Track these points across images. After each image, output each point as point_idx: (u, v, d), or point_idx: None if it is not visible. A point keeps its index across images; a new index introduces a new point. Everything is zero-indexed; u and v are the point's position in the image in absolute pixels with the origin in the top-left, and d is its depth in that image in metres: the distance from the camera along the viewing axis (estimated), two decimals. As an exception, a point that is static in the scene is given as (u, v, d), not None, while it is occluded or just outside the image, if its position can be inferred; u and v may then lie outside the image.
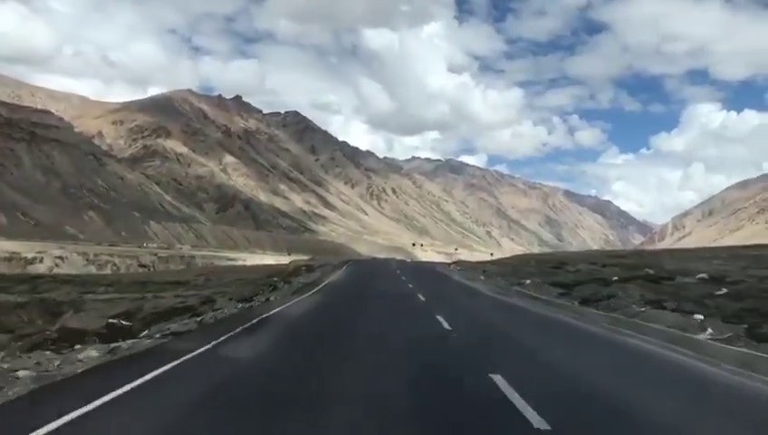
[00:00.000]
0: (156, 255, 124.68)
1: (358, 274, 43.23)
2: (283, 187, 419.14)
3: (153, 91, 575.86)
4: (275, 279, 32.26)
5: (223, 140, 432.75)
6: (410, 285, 30.18)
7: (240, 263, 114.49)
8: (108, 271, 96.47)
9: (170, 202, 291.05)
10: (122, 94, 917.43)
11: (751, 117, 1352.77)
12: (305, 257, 68.93)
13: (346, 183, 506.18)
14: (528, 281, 32.28)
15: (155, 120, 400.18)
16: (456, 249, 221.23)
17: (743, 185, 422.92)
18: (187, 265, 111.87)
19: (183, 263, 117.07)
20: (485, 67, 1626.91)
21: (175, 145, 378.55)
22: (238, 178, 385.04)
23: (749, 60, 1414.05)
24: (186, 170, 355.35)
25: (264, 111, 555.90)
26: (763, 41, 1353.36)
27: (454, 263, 63.05)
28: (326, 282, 31.30)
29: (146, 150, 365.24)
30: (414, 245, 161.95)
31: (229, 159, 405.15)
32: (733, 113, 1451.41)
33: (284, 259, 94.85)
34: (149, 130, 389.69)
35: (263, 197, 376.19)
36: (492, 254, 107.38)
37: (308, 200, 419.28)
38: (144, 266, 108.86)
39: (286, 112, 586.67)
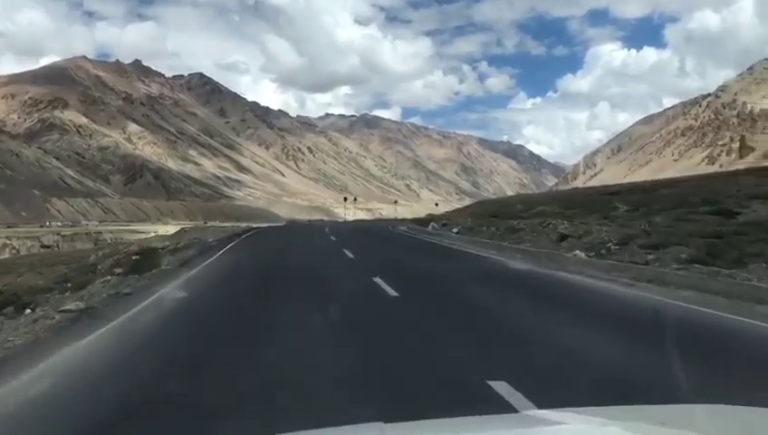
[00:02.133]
0: (59, 234, 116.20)
1: (239, 277, 16.13)
2: (193, 153, 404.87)
3: (46, 61, 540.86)
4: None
5: (125, 108, 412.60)
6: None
7: (152, 234, 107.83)
8: (6, 255, 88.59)
9: (73, 177, 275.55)
10: (12, 66, 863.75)
11: (649, 54, 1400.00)
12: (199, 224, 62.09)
13: (260, 145, 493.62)
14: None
15: (50, 91, 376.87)
16: (396, 202, 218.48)
17: (647, 120, 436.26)
18: (94, 241, 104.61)
19: (90, 240, 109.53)
20: (392, 18, 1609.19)
21: (74, 116, 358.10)
22: (144, 146, 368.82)
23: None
24: (87, 142, 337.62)
25: (167, 75, 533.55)
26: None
27: (432, 221, 42.99)
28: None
29: (42, 124, 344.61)
30: (346, 199, 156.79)
31: (133, 127, 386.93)
32: (633, 51, 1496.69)
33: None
34: (45, 102, 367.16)
35: (172, 164, 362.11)
36: (437, 204, 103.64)
37: (221, 165, 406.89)
38: (47, 247, 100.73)
39: (190, 75, 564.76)
